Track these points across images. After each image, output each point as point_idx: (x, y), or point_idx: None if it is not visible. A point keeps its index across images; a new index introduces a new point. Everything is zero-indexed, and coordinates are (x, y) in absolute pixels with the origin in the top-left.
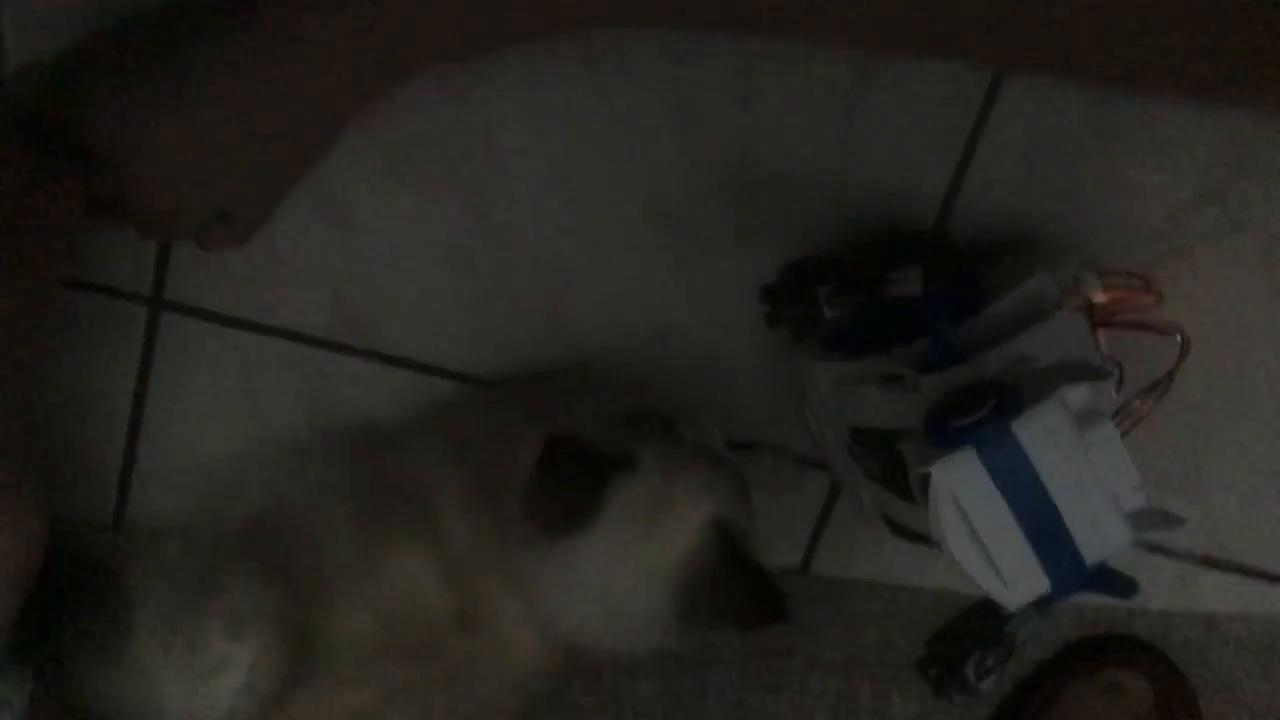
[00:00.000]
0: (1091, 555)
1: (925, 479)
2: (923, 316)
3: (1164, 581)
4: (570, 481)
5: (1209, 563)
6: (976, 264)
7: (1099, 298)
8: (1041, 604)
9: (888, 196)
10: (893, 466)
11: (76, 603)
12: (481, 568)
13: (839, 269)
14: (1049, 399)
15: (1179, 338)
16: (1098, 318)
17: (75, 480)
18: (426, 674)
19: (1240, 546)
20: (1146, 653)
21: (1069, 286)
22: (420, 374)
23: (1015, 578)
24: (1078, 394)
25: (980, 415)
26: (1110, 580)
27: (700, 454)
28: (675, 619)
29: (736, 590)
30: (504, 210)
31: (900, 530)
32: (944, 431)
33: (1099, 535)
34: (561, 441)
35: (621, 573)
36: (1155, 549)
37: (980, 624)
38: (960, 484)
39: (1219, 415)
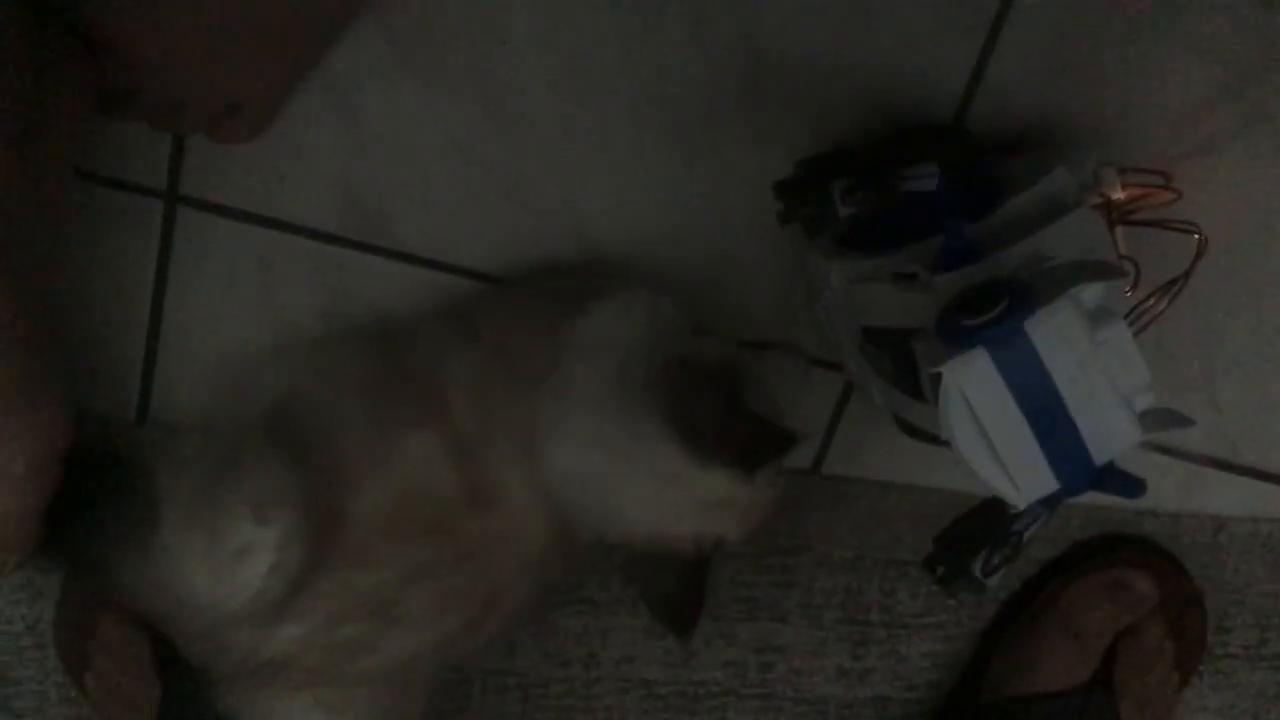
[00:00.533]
0: (1101, 455)
1: (936, 378)
2: (938, 213)
3: (1173, 483)
4: (758, 436)
5: (1219, 465)
6: (995, 159)
7: (1118, 194)
8: (1050, 502)
9: (906, 86)
10: (905, 366)
11: (103, 495)
12: (490, 448)
13: (854, 164)
14: (1062, 298)
15: (1196, 237)
16: (1116, 215)
17: (98, 375)
18: (443, 554)
19: (1251, 449)
20: (1154, 553)
21: (1088, 183)
22: (432, 270)
23: (1024, 477)
24: (1091, 293)
25: (992, 315)
26: (1119, 480)
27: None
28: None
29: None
30: (514, 101)
31: (912, 430)
32: (955, 331)
33: (1108, 435)
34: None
35: (679, 501)
36: (1166, 450)
37: (987, 522)
38: (971, 383)
39: (1235, 317)
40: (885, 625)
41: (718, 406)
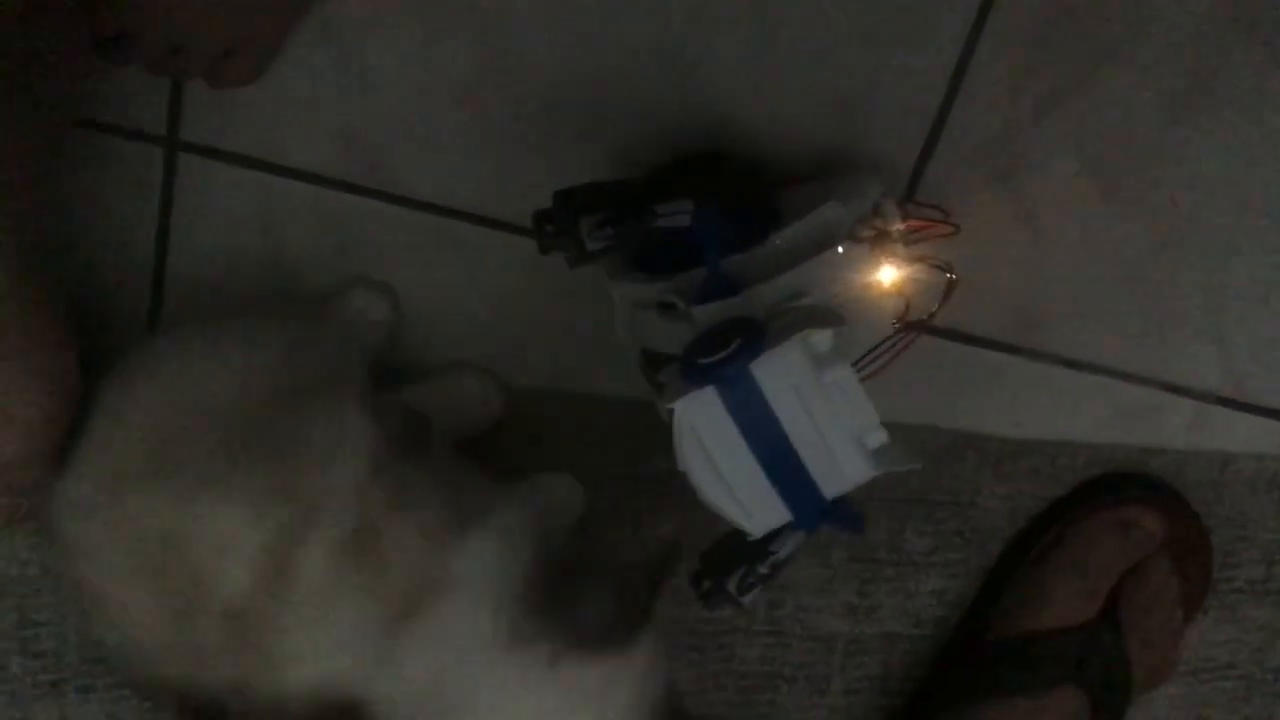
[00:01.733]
0: (830, 489)
1: (672, 412)
2: (694, 247)
3: (1180, 420)
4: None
5: (1225, 402)
6: (776, 190)
7: (896, 226)
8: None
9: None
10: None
11: None
12: (298, 609)
13: (607, 199)
14: (788, 342)
15: (949, 276)
16: (886, 248)
17: (106, 324)
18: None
19: (1257, 386)
20: (1160, 491)
21: (865, 215)
22: (435, 215)
23: (756, 508)
24: (820, 337)
25: (723, 355)
26: (842, 514)
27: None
28: None
29: None
30: (514, 43)
31: None
32: (691, 368)
33: (838, 471)
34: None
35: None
36: (1173, 388)
37: (746, 541)
38: (700, 420)
39: (1239, 253)
40: (893, 564)
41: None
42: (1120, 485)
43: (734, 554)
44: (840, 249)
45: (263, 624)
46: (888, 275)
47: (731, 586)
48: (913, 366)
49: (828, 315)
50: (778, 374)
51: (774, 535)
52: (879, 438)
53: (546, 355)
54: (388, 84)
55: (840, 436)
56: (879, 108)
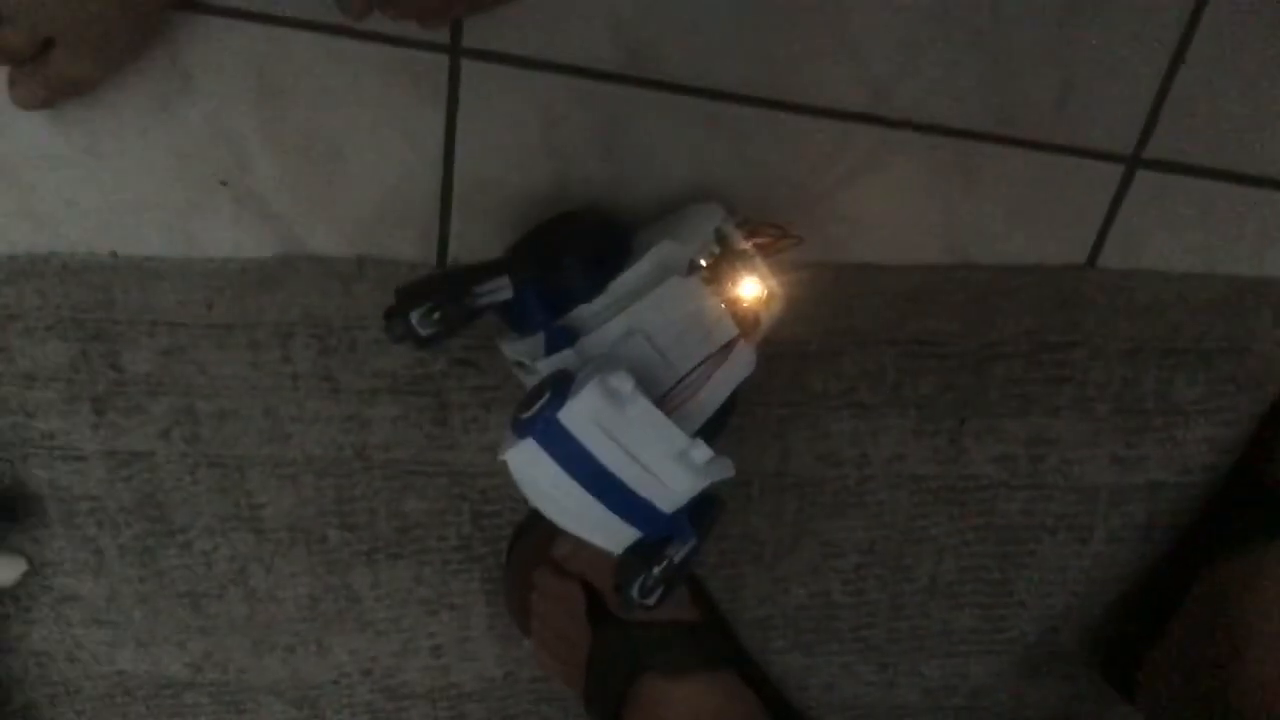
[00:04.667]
0: (666, 505)
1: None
2: (526, 315)
3: None
4: None
5: None
6: (630, 234)
7: (743, 246)
8: (694, 530)
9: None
10: None
11: None
12: None
13: (432, 290)
14: (585, 389)
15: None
16: (742, 266)
17: (401, 223)
18: None
19: None
20: None
21: (708, 242)
22: (702, 99)
23: (606, 532)
24: (618, 380)
25: (535, 409)
26: (677, 525)
27: None
28: None
29: None
30: None
31: None
32: (515, 422)
33: (669, 489)
34: None
35: None
36: None
37: (645, 549)
38: (528, 468)
39: None
40: (1162, 413)
41: None
42: None
43: (634, 563)
44: (666, 286)
45: None
46: (749, 289)
47: (634, 594)
48: (1188, 212)
49: (614, 362)
50: (582, 419)
51: (665, 541)
52: (703, 454)
53: (814, 229)
54: None
55: (658, 460)
56: None
